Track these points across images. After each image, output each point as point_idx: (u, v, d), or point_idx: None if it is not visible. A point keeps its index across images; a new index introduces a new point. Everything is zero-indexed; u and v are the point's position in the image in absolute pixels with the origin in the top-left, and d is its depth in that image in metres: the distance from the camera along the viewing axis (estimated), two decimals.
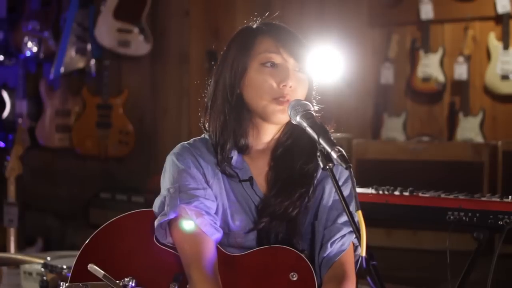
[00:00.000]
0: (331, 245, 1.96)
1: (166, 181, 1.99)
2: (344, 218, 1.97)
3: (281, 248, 1.93)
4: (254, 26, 2.03)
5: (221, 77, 2.00)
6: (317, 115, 2.00)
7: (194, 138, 2.06)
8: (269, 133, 2.01)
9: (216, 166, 1.99)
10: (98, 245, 1.97)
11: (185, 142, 2.04)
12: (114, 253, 1.96)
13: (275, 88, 1.93)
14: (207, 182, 1.98)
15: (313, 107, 2.00)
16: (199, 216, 1.92)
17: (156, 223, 1.94)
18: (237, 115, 1.98)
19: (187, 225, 1.91)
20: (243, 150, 2.00)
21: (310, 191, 1.99)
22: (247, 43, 1.98)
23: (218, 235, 1.94)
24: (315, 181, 2.00)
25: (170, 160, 2.01)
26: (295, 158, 2.00)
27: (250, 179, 1.99)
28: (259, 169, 2.02)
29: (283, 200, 1.96)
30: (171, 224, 1.94)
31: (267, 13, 2.09)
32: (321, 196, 2.01)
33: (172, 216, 1.92)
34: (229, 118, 1.98)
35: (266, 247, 1.95)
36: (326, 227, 1.99)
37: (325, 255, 1.97)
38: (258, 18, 2.07)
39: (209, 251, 1.90)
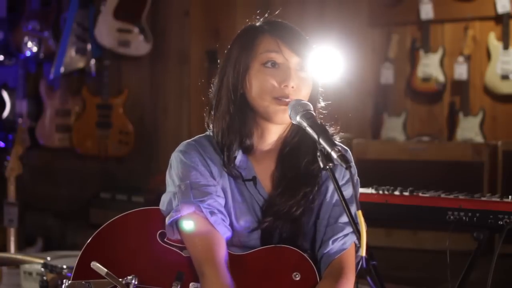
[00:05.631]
0: (332, 243, 1.96)
1: (174, 178, 1.98)
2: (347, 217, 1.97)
3: (284, 247, 1.94)
4: (257, 25, 2.02)
5: (224, 77, 2.00)
6: (324, 111, 2.00)
7: (198, 136, 2.05)
8: (273, 133, 2.01)
9: (221, 165, 1.99)
10: (101, 243, 1.98)
11: (190, 140, 2.03)
12: (117, 251, 1.96)
13: (276, 88, 1.92)
14: (214, 179, 1.98)
15: (319, 103, 2.00)
16: (213, 215, 1.92)
17: (168, 219, 1.93)
18: (242, 116, 1.97)
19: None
20: (248, 150, 2.00)
21: (315, 191, 1.98)
22: (248, 43, 1.97)
23: (229, 234, 1.95)
24: (320, 181, 2.00)
25: (176, 157, 1.99)
26: (300, 156, 2.00)
27: (254, 179, 1.99)
28: (264, 169, 2.02)
29: (287, 199, 1.96)
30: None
31: (269, 11, 2.09)
32: (324, 195, 2.00)
33: (185, 212, 1.91)
34: (233, 119, 1.97)
35: (270, 247, 1.95)
36: (328, 225, 1.99)
37: (325, 251, 1.97)
38: (264, 16, 2.05)
39: (222, 248, 1.91)
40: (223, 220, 1.94)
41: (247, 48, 1.96)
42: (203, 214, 1.91)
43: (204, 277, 1.87)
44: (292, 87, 1.92)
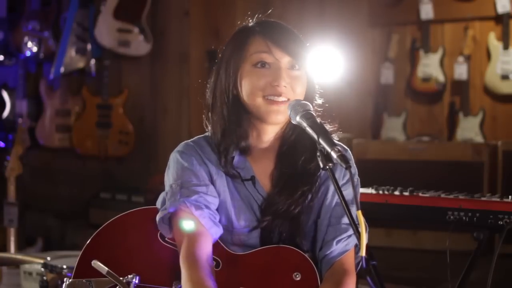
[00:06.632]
0: (336, 243, 1.96)
1: (169, 178, 1.99)
2: None
3: (285, 248, 1.94)
4: (249, 25, 2.02)
5: (218, 78, 2.01)
6: (319, 109, 2.00)
7: (198, 136, 2.06)
8: (269, 132, 2.01)
9: (219, 166, 1.99)
10: (102, 242, 1.98)
11: (189, 140, 2.04)
12: (118, 250, 1.96)
13: (268, 87, 1.92)
14: (211, 179, 1.99)
15: (315, 101, 2.00)
16: (198, 209, 1.92)
17: (157, 218, 1.95)
18: (236, 117, 1.98)
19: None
20: (245, 151, 2.00)
21: (313, 190, 1.98)
22: (240, 45, 1.98)
23: (216, 229, 1.94)
24: (319, 181, 2.00)
25: (174, 158, 2.01)
26: (298, 155, 2.00)
27: (252, 178, 1.99)
28: (263, 169, 2.02)
29: (286, 197, 1.96)
30: (172, 219, 1.94)
31: (262, 11, 2.09)
32: (325, 196, 2.00)
33: (171, 210, 1.92)
34: (228, 122, 1.98)
35: (270, 247, 1.96)
36: (330, 225, 1.99)
37: (328, 252, 1.97)
38: (256, 16, 2.06)
39: (204, 249, 1.89)
40: (211, 216, 1.93)
41: (238, 49, 1.97)
42: (189, 210, 1.91)
43: (182, 277, 1.86)
44: (285, 86, 1.92)
